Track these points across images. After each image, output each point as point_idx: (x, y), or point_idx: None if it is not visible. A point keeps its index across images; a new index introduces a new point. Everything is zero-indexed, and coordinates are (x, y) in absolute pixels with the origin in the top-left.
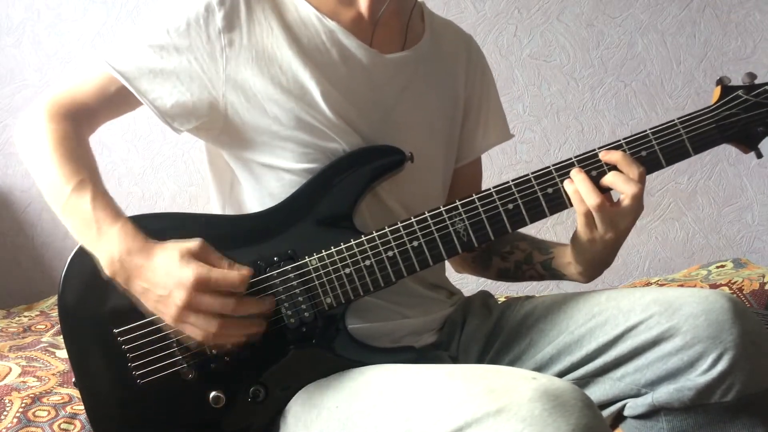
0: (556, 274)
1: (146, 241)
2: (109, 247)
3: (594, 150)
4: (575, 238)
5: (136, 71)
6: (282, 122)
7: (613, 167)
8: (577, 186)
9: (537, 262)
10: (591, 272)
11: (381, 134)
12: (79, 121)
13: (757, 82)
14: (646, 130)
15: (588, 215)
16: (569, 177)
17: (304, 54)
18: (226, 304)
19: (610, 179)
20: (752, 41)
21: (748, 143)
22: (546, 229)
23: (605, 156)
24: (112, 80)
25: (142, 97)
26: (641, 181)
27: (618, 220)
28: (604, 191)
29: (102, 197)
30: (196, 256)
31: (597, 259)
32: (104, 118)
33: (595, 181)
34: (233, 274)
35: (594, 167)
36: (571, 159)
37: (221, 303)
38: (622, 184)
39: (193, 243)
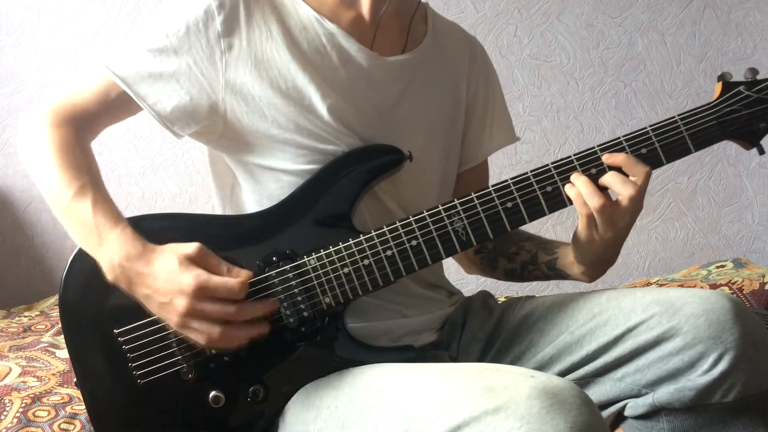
0: (561, 274)
1: (145, 245)
2: (110, 252)
3: (593, 147)
4: (576, 239)
5: (135, 76)
6: (281, 125)
7: (617, 169)
8: (580, 189)
9: (542, 263)
10: (594, 272)
11: (380, 136)
12: (80, 127)
13: (759, 77)
14: (646, 128)
15: (590, 217)
16: (570, 182)
17: (304, 58)
18: (227, 310)
19: (608, 179)
20: (752, 41)
21: (749, 140)
22: (546, 229)
23: (608, 159)
24: (112, 85)
25: (142, 102)
26: (645, 179)
27: (617, 218)
28: (602, 189)
29: (102, 202)
30: (194, 261)
31: (599, 258)
32: (105, 123)
33: (595, 179)
34: (232, 281)
35: (594, 165)
36: (570, 157)
37: (222, 309)
38: (619, 186)
39: (191, 248)
